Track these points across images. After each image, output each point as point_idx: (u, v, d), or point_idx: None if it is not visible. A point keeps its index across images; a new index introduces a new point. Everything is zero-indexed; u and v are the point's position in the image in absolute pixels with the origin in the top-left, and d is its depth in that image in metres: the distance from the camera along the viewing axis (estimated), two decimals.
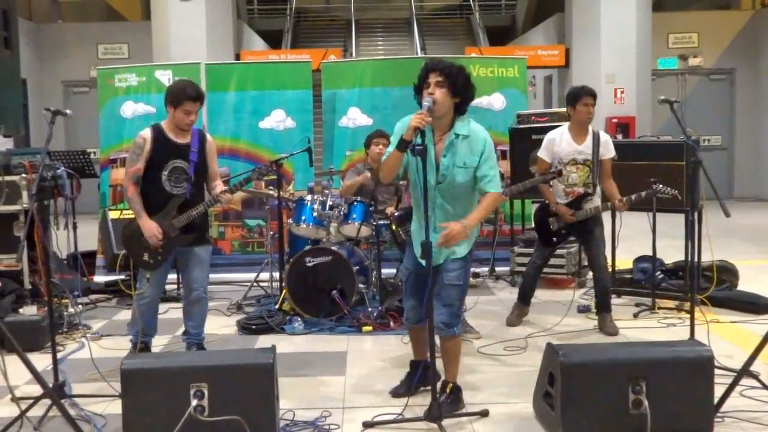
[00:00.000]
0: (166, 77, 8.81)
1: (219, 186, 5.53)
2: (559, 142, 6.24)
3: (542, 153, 6.33)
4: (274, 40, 19.42)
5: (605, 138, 6.24)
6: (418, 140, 4.06)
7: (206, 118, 8.79)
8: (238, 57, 15.55)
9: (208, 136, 5.57)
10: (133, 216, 5.34)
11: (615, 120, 15.10)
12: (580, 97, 6.14)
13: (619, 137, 14.05)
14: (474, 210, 4.38)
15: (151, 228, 5.19)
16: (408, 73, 8.76)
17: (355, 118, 8.84)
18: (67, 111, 4.84)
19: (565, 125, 6.31)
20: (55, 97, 15.85)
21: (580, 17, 15.86)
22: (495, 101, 8.77)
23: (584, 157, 6.17)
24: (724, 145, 17.25)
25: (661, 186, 5.96)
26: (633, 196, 5.94)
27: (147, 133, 5.31)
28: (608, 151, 6.20)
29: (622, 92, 15.31)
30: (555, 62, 16.47)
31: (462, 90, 4.34)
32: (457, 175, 4.34)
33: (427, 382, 4.39)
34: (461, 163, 4.33)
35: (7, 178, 6.48)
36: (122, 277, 7.86)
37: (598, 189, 6.23)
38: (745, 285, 7.21)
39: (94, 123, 9.60)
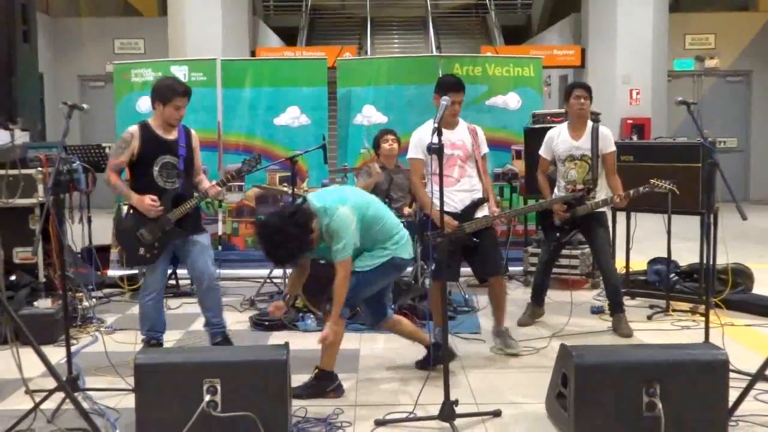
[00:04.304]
0: (182, 73, 8.83)
1: (203, 180, 5.59)
2: (556, 140, 6.27)
3: (542, 151, 6.39)
4: (289, 37, 19.44)
5: (604, 132, 6.20)
6: (434, 139, 4.10)
7: (221, 114, 8.82)
8: (253, 54, 15.58)
9: (192, 131, 5.60)
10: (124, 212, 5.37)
11: (630, 121, 15.03)
12: (573, 90, 6.19)
13: (634, 138, 14.01)
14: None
15: (143, 200, 5.22)
16: (423, 71, 8.93)
17: (370, 115, 8.84)
18: (84, 105, 4.87)
19: (565, 123, 6.34)
20: (70, 91, 15.92)
21: (596, 17, 15.80)
22: (510, 100, 8.76)
23: (582, 152, 6.16)
24: (740, 148, 17.14)
25: (658, 181, 5.88)
26: (632, 191, 5.90)
27: (134, 129, 5.36)
28: (608, 146, 6.17)
29: (637, 93, 15.25)
30: (570, 62, 16.42)
31: (281, 255, 4.56)
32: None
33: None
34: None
35: (24, 171, 6.50)
36: (136, 271, 7.90)
37: (604, 184, 6.18)
38: (760, 288, 7.15)
39: (109, 117, 9.65)
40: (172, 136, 5.40)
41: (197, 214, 5.57)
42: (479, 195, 5.59)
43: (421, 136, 5.49)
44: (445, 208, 5.35)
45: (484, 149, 5.75)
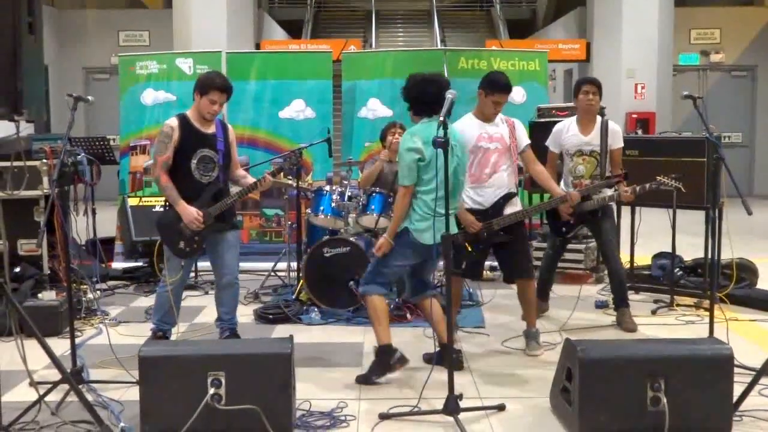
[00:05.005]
0: (187, 65, 8.84)
1: (247, 175, 5.65)
2: (565, 133, 6.23)
3: (550, 144, 6.34)
4: (294, 30, 19.42)
5: (613, 128, 6.17)
6: (440, 133, 4.10)
7: (226, 107, 8.79)
8: (258, 46, 15.56)
9: (229, 126, 5.65)
10: (154, 203, 5.39)
11: (635, 115, 15.00)
12: (581, 86, 6.15)
13: (639, 133, 13.98)
14: None
15: (191, 213, 5.22)
16: (428, 64, 8.91)
17: (375, 109, 8.84)
18: (89, 97, 4.86)
19: (574, 117, 6.31)
20: (75, 83, 15.93)
21: (601, 11, 15.77)
22: (516, 94, 8.72)
23: (591, 148, 6.13)
24: (745, 143, 17.12)
25: (665, 179, 5.86)
26: (638, 188, 5.84)
27: (174, 122, 5.34)
28: (616, 142, 6.14)
29: (642, 87, 15.20)
30: (576, 56, 16.37)
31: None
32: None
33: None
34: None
35: (29, 163, 6.51)
36: (140, 264, 7.92)
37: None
38: (764, 283, 7.15)
39: (114, 110, 9.64)
40: (210, 129, 5.40)
41: (232, 210, 5.57)
42: (510, 190, 5.49)
43: (459, 129, 5.34)
44: (473, 205, 5.39)
45: (525, 141, 5.58)
